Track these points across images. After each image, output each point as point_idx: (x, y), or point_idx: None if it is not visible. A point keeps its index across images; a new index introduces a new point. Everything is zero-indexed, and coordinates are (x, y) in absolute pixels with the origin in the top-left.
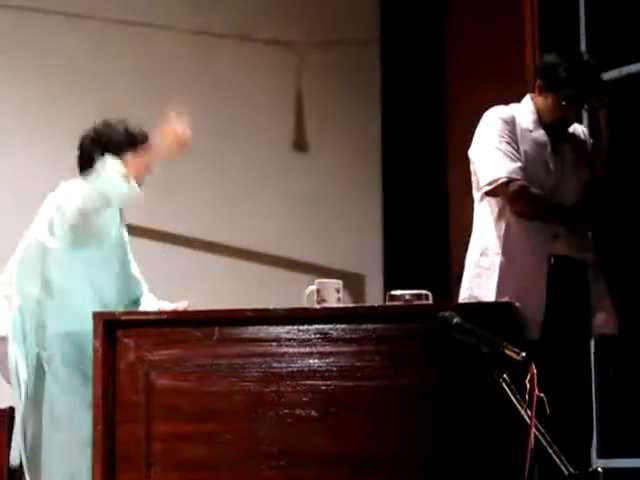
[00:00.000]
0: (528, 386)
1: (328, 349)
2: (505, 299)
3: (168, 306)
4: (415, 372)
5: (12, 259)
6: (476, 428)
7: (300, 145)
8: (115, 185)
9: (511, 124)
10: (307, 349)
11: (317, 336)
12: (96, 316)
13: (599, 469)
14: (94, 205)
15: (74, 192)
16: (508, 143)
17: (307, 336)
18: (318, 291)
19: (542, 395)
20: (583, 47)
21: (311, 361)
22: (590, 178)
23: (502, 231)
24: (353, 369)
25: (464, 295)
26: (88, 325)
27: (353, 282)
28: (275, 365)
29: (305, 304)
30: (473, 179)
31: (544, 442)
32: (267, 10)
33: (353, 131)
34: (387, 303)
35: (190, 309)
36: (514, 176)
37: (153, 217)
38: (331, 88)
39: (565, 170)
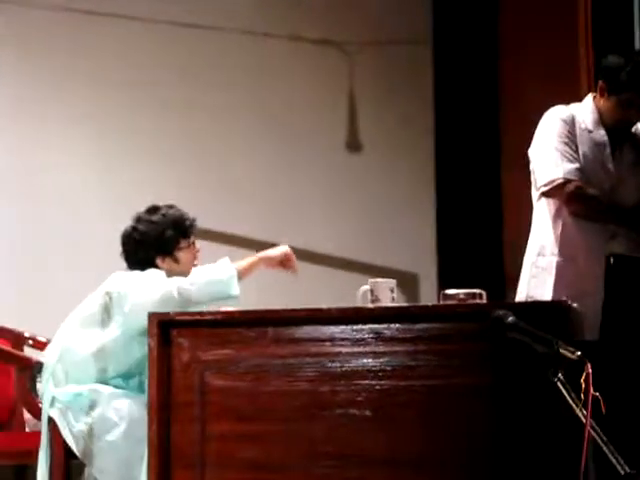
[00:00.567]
0: (583, 385)
1: (382, 349)
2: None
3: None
4: (469, 372)
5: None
6: (531, 428)
7: (353, 146)
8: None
9: (570, 124)
10: (361, 349)
11: (371, 336)
12: (151, 316)
13: None
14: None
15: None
16: (566, 144)
17: (361, 336)
18: (372, 291)
19: (597, 395)
20: (637, 45)
21: (365, 361)
22: None
23: (559, 231)
24: (407, 369)
25: (521, 295)
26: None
27: (407, 281)
28: (329, 365)
29: (359, 304)
30: (532, 178)
31: (600, 441)
32: (318, 10)
33: (406, 131)
34: (441, 302)
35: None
36: (571, 177)
37: (212, 219)
38: (384, 88)
39: (624, 171)
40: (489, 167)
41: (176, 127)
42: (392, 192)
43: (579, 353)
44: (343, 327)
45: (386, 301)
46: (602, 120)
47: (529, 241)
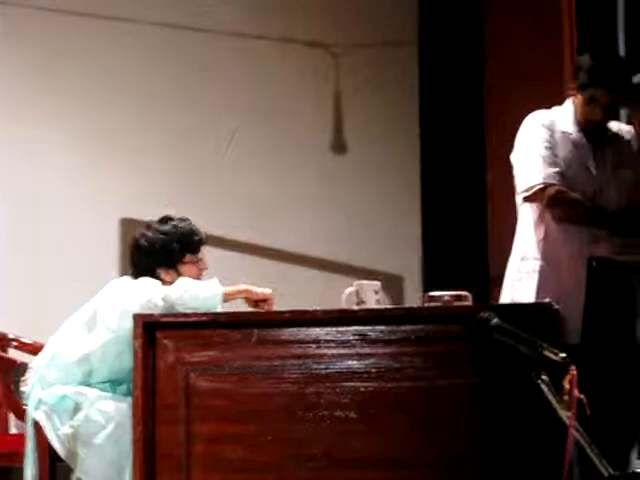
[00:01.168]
0: (567, 387)
1: (367, 350)
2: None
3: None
4: (454, 373)
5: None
6: (516, 429)
7: (338, 147)
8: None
9: (550, 129)
10: (346, 350)
11: (356, 337)
12: (136, 318)
13: (639, 471)
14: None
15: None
16: (546, 148)
17: (346, 337)
18: (357, 292)
19: (582, 396)
20: (621, 48)
21: (350, 362)
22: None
23: (542, 235)
24: (392, 370)
25: (505, 299)
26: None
27: (392, 283)
28: (314, 366)
29: (344, 305)
30: (515, 183)
31: (584, 443)
32: (305, 12)
33: (392, 133)
34: (426, 304)
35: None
36: (551, 181)
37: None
38: (370, 90)
39: (607, 173)
40: (474, 168)
41: (165, 128)
42: (377, 194)
43: (563, 355)
44: (328, 329)
45: (371, 303)
46: (578, 121)
47: (513, 245)
